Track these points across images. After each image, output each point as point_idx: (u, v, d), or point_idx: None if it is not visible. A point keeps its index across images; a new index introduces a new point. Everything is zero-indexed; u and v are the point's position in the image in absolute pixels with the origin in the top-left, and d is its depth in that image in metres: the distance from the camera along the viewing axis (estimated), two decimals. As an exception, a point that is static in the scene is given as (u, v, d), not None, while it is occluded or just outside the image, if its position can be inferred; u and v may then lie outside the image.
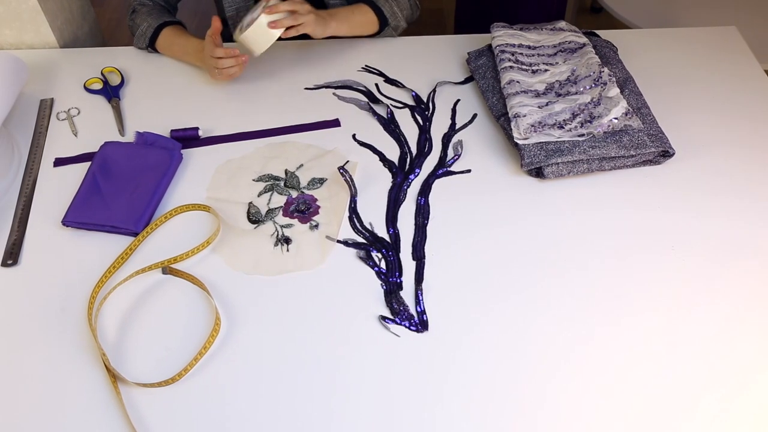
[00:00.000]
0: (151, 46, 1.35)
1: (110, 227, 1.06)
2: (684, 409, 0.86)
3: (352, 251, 1.04)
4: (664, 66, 1.35)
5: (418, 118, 1.25)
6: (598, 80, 1.20)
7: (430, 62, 1.37)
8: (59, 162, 1.18)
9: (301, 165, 1.16)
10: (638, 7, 1.90)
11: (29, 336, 0.94)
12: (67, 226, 1.07)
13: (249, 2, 1.42)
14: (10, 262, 1.02)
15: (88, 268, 1.01)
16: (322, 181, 1.14)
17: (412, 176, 1.15)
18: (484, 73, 1.29)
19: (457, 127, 1.23)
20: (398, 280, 1.00)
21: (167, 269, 1.01)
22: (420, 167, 1.16)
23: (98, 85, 1.32)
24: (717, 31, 1.44)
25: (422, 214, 1.09)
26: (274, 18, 1.18)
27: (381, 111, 1.26)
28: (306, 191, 1.12)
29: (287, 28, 1.20)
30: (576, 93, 1.19)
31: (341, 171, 1.10)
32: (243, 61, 1.23)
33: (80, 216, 1.06)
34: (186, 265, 1.02)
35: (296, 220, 1.08)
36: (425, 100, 1.28)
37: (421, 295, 0.98)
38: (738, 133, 1.21)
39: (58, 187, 1.13)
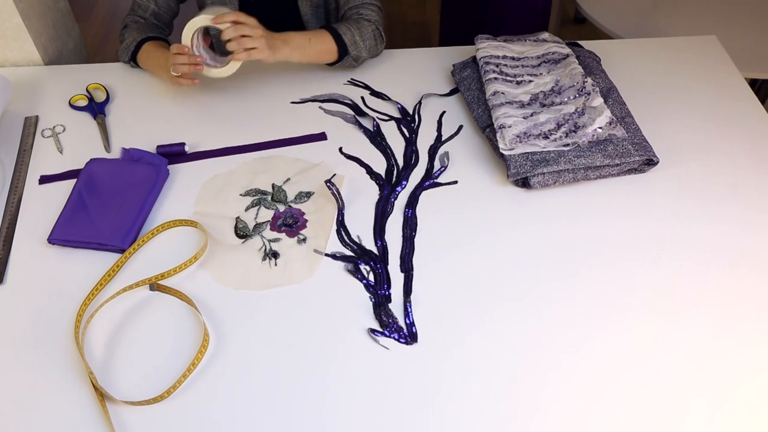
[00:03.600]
0: (134, 60, 1.36)
1: (97, 244, 1.05)
2: (673, 415, 0.86)
3: (340, 264, 1.04)
4: (646, 75, 1.36)
5: (405, 130, 1.26)
6: (581, 90, 1.21)
7: (415, 75, 1.37)
8: (44, 179, 1.17)
9: (288, 179, 1.16)
10: (621, 18, 1.92)
11: (15, 355, 0.93)
12: (53, 244, 1.06)
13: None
14: (-5, 281, 1.02)
15: (74, 286, 1.01)
16: (309, 194, 1.14)
17: (399, 188, 1.15)
18: (469, 85, 1.30)
19: (443, 138, 1.24)
20: (387, 293, 1.00)
21: (155, 285, 1.01)
22: (407, 179, 1.16)
23: (83, 102, 1.31)
24: (698, 41, 1.46)
25: (410, 225, 1.09)
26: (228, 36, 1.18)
27: (367, 124, 1.27)
28: (293, 205, 1.12)
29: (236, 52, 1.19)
30: (560, 103, 1.20)
31: (328, 184, 1.10)
32: (198, 61, 1.20)
33: (66, 234, 1.06)
34: (174, 281, 1.02)
35: (284, 234, 1.08)
36: (411, 112, 1.29)
37: (410, 307, 0.98)
38: (720, 140, 1.22)
39: (43, 205, 1.12)
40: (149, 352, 0.93)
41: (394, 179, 1.17)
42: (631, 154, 1.13)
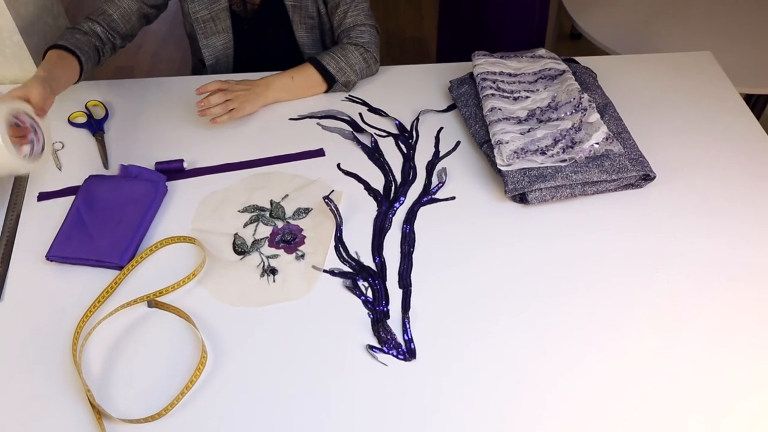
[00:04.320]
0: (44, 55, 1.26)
1: (95, 261, 1.05)
2: (672, 430, 0.86)
3: (339, 280, 1.04)
4: (642, 91, 1.37)
5: (402, 146, 1.26)
6: (578, 106, 1.21)
7: (412, 91, 1.38)
8: (43, 196, 1.17)
9: (287, 195, 1.17)
10: (616, 34, 1.94)
11: (13, 372, 0.93)
12: (52, 261, 1.06)
13: (229, 50, 1.44)
14: (-7, 298, 1.01)
15: (72, 303, 1.01)
16: (307, 210, 1.14)
17: (397, 204, 1.15)
18: (466, 101, 1.30)
19: (440, 154, 1.24)
20: (385, 309, 1.00)
21: (153, 302, 1.01)
22: (405, 195, 1.17)
23: (82, 119, 1.32)
24: (693, 56, 1.47)
25: (408, 241, 1.09)
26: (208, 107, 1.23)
27: (365, 140, 1.27)
28: (291, 221, 1.12)
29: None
30: (557, 119, 1.21)
31: (326, 200, 1.11)
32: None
33: (64, 250, 1.06)
34: (172, 298, 1.02)
35: (282, 250, 1.08)
36: (409, 128, 1.30)
37: (408, 323, 0.98)
38: (716, 155, 1.23)
39: (41, 222, 1.13)
40: (147, 369, 0.93)
41: (392, 195, 1.17)
42: (628, 169, 1.13)
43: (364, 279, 1.04)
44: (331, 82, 1.35)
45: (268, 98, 1.33)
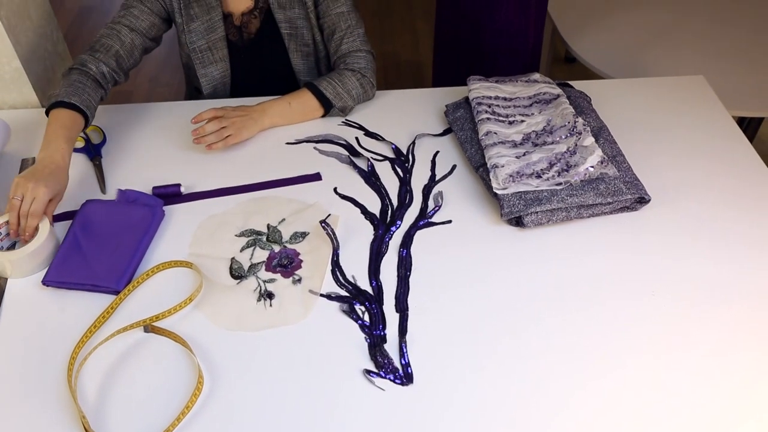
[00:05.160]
0: (47, 112, 1.24)
1: (91, 286, 1.05)
2: (671, 457, 0.86)
3: (336, 305, 1.04)
4: (636, 114, 1.39)
5: (399, 170, 1.27)
6: (573, 130, 1.22)
7: (409, 115, 1.39)
8: (40, 221, 1.17)
9: (283, 219, 1.17)
10: (610, 58, 1.96)
11: (8, 396, 0.92)
12: (48, 286, 1.06)
13: (226, 78, 1.46)
14: (-12, 324, 1.01)
15: (68, 328, 1.00)
16: (304, 235, 1.14)
17: (393, 228, 1.16)
18: (462, 125, 1.31)
19: (436, 178, 1.25)
20: (382, 333, 1.00)
21: (149, 327, 1.00)
22: (401, 219, 1.17)
23: (80, 144, 1.32)
24: (686, 81, 1.48)
25: (404, 265, 1.09)
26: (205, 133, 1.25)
27: (362, 164, 1.28)
28: (288, 245, 1.13)
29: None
30: (552, 143, 1.22)
31: (323, 225, 1.11)
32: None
33: (61, 275, 1.06)
34: (168, 323, 1.01)
35: (279, 274, 1.08)
36: (405, 152, 1.31)
37: (405, 347, 0.97)
38: (710, 178, 1.24)
39: (38, 247, 1.12)
40: (143, 395, 0.93)
41: (388, 219, 1.17)
42: (623, 192, 1.14)
43: (361, 303, 1.04)
44: (328, 107, 1.36)
45: (264, 124, 1.34)
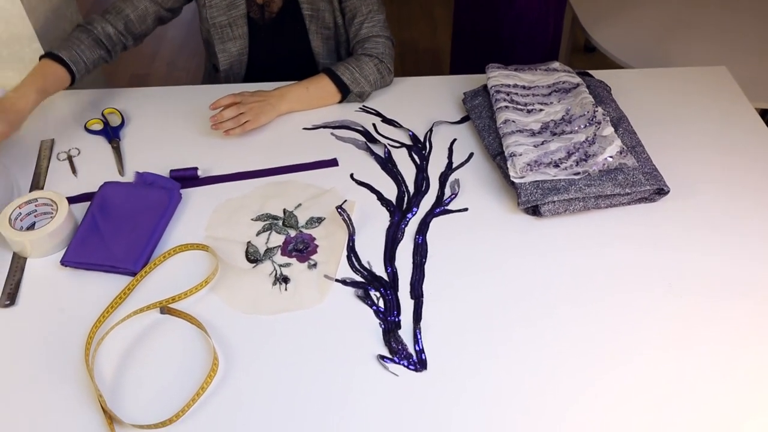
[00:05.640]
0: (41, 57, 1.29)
1: (109, 267, 1.06)
2: (685, 449, 0.85)
3: (350, 290, 1.04)
4: (657, 105, 1.37)
5: (416, 157, 1.27)
6: (592, 119, 1.21)
7: (426, 102, 1.39)
8: (59, 202, 1.18)
9: (300, 204, 1.17)
10: (630, 47, 1.93)
11: (26, 377, 0.93)
12: (66, 266, 1.07)
13: (243, 56, 1.46)
14: (8, 302, 1.02)
15: (86, 308, 1.01)
16: (320, 220, 1.14)
17: (409, 215, 1.15)
18: (480, 113, 1.31)
19: (453, 166, 1.25)
20: (396, 319, 1.00)
21: (165, 309, 1.01)
22: (417, 206, 1.17)
23: (99, 126, 1.33)
24: (708, 71, 1.46)
25: (420, 252, 1.09)
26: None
27: (378, 150, 1.28)
28: (304, 230, 1.13)
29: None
30: (571, 132, 1.21)
31: (339, 210, 1.11)
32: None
33: (79, 256, 1.07)
34: (184, 305, 1.02)
35: (294, 259, 1.08)
36: (422, 139, 1.30)
37: (420, 333, 0.97)
38: (731, 170, 1.23)
39: (57, 227, 1.13)
40: (159, 376, 0.93)
41: (404, 206, 1.17)
42: (642, 183, 1.13)
43: (375, 289, 1.04)
44: (345, 93, 1.36)
45: (282, 109, 1.34)
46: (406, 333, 0.98)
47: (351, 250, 1.09)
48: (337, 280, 1.05)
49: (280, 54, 1.48)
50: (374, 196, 1.19)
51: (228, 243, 1.11)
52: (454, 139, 1.30)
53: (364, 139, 1.30)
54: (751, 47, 1.91)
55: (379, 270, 1.07)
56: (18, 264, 1.08)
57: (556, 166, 1.15)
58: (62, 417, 0.89)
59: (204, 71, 1.67)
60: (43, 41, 1.39)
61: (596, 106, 1.23)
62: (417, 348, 0.96)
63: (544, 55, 1.87)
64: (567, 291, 1.03)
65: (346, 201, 1.16)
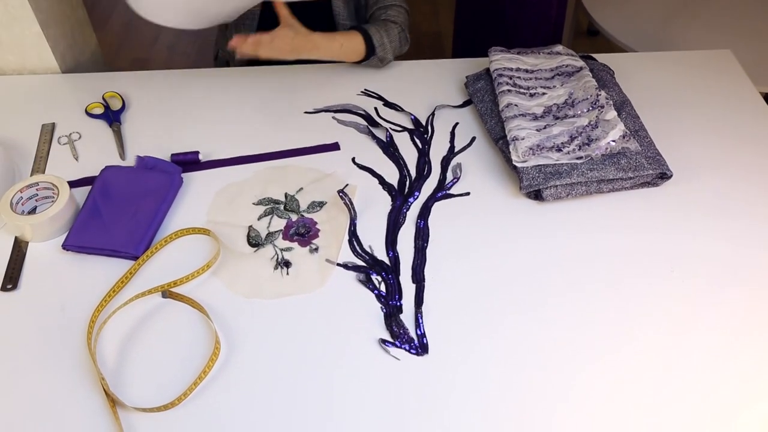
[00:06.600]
0: None
1: (110, 251, 1.06)
2: (686, 428, 0.86)
3: (352, 274, 1.04)
4: (660, 89, 1.36)
5: (417, 141, 1.26)
6: (595, 103, 1.21)
7: (428, 86, 1.38)
8: (60, 186, 1.18)
9: (301, 188, 1.17)
10: (634, 31, 1.92)
11: (28, 360, 0.94)
12: (67, 250, 1.07)
13: (256, 9, 1.41)
14: (9, 286, 1.02)
15: (87, 292, 1.01)
16: (321, 204, 1.14)
17: (411, 199, 1.15)
18: (482, 97, 1.30)
19: (455, 150, 1.24)
20: (398, 303, 1.00)
21: (167, 293, 1.01)
22: (419, 190, 1.17)
23: (99, 110, 1.33)
24: (712, 55, 1.45)
25: (422, 236, 1.09)
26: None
27: (380, 134, 1.27)
28: (306, 214, 1.13)
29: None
30: (574, 116, 1.20)
31: (341, 194, 1.11)
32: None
33: (80, 240, 1.07)
34: (186, 289, 1.02)
35: (296, 243, 1.08)
36: (424, 123, 1.29)
37: (421, 318, 0.98)
38: (734, 155, 1.22)
39: (58, 211, 1.13)
40: (161, 359, 0.94)
41: (406, 190, 1.17)
42: (645, 167, 1.13)
43: (377, 273, 1.04)
44: (370, 55, 1.35)
45: (313, 55, 1.31)
46: (407, 317, 0.98)
47: (353, 235, 1.09)
48: (338, 265, 1.05)
49: (301, 18, 1.43)
50: (376, 180, 1.19)
51: (229, 227, 1.11)
52: (457, 123, 1.30)
53: (365, 123, 1.30)
54: (755, 31, 1.89)
55: (381, 254, 1.07)
56: (20, 248, 1.08)
57: (559, 150, 1.14)
58: (65, 400, 0.90)
59: (215, 36, 1.62)
60: (43, 25, 1.38)
61: (599, 90, 1.22)
62: (418, 332, 0.96)
63: (547, 38, 1.86)
64: (569, 275, 1.03)
65: (347, 185, 1.16)
